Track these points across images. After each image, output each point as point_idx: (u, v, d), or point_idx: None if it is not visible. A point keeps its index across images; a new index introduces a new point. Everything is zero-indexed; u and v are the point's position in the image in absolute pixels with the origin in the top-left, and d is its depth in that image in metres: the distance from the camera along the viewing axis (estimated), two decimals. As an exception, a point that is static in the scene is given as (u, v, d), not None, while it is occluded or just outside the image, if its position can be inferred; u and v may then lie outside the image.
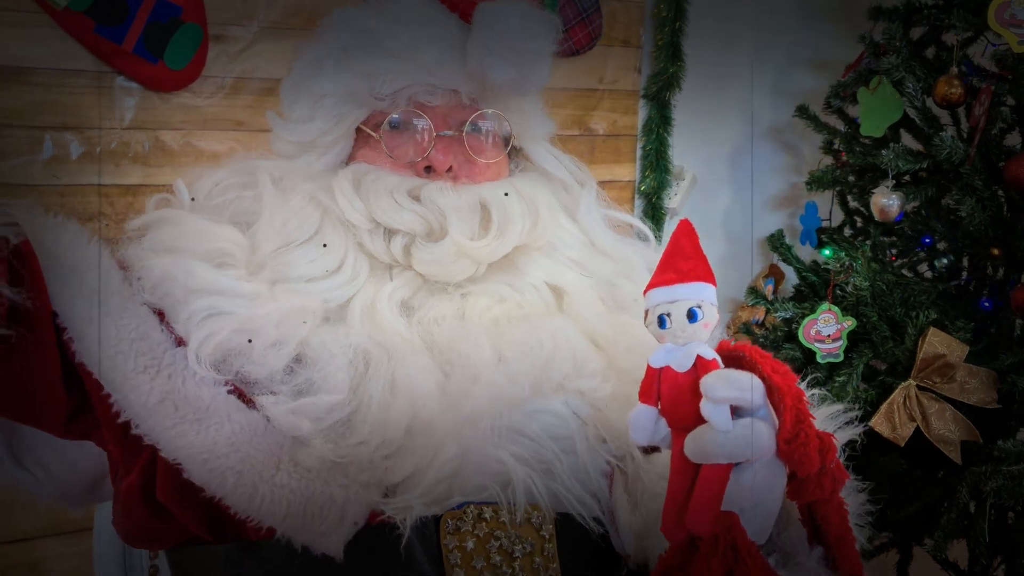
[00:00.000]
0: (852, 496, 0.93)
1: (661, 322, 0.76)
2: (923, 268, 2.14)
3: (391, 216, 1.05)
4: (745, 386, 0.73)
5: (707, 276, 0.77)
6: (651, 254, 1.20)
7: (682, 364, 0.75)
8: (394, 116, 1.09)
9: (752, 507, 0.76)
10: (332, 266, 1.05)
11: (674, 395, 0.75)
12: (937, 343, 1.82)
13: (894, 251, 2.09)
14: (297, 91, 1.15)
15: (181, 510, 0.96)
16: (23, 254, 0.92)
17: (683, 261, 0.77)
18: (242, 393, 0.98)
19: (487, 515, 0.93)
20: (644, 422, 0.78)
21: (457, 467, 0.94)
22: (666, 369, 0.76)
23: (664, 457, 1.01)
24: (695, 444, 0.73)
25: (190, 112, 1.89)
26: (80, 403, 1.00)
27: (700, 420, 0.73)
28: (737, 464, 0.74)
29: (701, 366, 0.75)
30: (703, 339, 0.76)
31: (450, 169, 1.10)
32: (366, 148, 1.13)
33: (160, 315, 1.00)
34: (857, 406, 1.52)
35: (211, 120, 1.91)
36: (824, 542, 0.83)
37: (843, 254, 2.00)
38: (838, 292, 2.00)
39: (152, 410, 0.95)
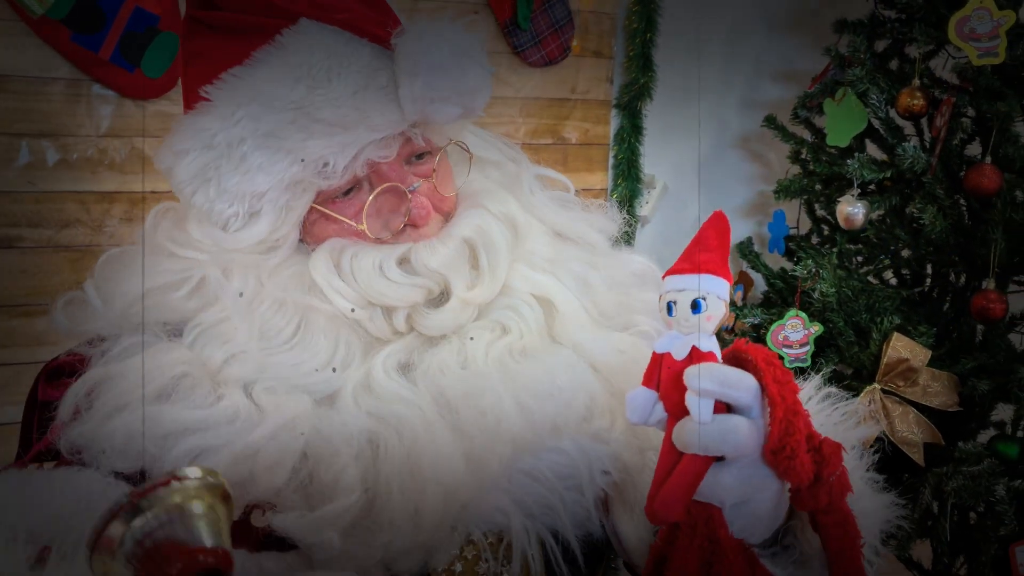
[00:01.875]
0: (878, 502, 0.90)
1: (669, 309, 0.76)
2: (888, 275, 2.19)
3: (388, 295, 0.97)
4: (731, 383, 0.73)
5: (719, 270, 0.76)
6: (607, 224, 1.14)
7: (680, 352, 0.75)
8: (371, 199, 0.99)
9: (737, 504, 0.75)
10: (320, 364, 0.95)
11: (670, 381, 0.75)
12: (901, 348, 1.86)
13: (860, 258, 2.14)
14: (217, 190, 0.98)
15: None
16: None
17: (701, 253, 0.77)
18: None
19: (468, 554, 0.90)
20: (641, 404, 0.78)
21: (460, 517, 0.89)
22: (667, 355, 0.76)
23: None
24: (677, 432, 0.74)
25: (167, 120, 1.88)
26: None
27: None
28: (720, 459, 0.74)
29: (696, 356, 0.75)
30: (707, 331, 0.75)
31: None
32: (321, 226, 1.02)
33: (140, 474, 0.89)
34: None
35: (188, 128, 1.92)
36: (826, 554, 0.81)
37: (811, 262, 2.04)
38: (805, 298, 2.03)
39: None
